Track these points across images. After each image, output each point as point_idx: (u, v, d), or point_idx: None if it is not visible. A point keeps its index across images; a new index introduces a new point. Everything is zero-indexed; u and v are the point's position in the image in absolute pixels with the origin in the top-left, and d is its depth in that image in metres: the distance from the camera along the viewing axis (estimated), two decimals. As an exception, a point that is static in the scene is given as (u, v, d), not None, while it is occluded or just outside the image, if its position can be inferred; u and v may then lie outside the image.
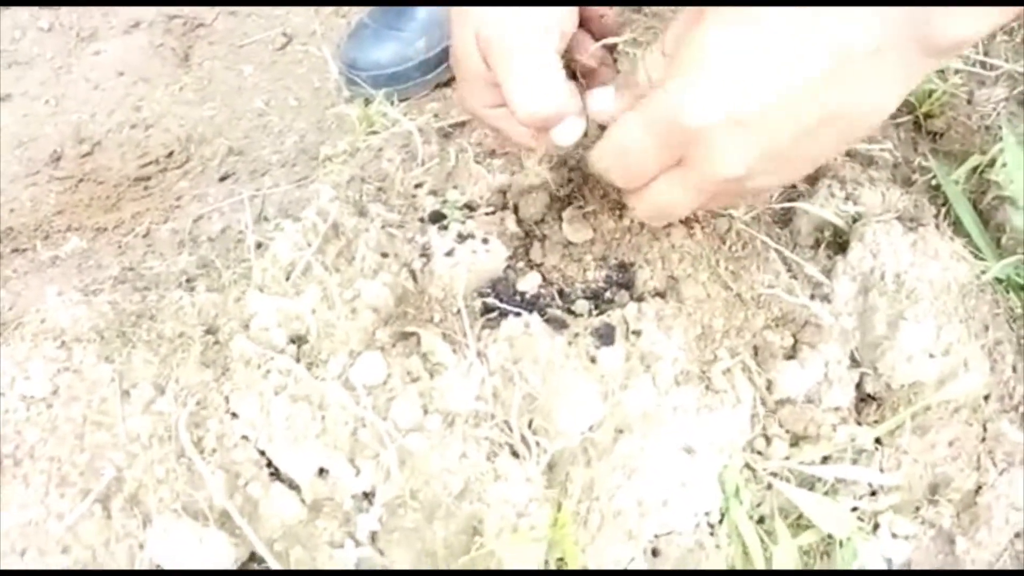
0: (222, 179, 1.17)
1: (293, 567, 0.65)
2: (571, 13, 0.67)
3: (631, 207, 0.70)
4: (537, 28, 0.65)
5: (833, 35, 0.55)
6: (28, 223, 1.17)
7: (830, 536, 0.76)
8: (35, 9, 1.44)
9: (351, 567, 0.65)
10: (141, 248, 1.04)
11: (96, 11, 1.43)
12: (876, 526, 0.78)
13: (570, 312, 0.79)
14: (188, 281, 0.86)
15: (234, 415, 0.68)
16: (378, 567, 0.66)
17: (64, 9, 1.44)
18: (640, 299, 0.80)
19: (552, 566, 0.69)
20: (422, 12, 1.21)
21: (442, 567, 0.66)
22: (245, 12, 1.41)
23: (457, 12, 0.68)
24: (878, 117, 0.62)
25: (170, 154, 1.25)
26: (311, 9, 1.41)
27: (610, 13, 0.73)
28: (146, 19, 1.42)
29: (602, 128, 0.68)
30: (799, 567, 0.75)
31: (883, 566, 0.76)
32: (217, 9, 1.41)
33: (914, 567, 0.77)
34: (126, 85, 1.35)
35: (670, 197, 0.65)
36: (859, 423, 0.81)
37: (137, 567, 0.64)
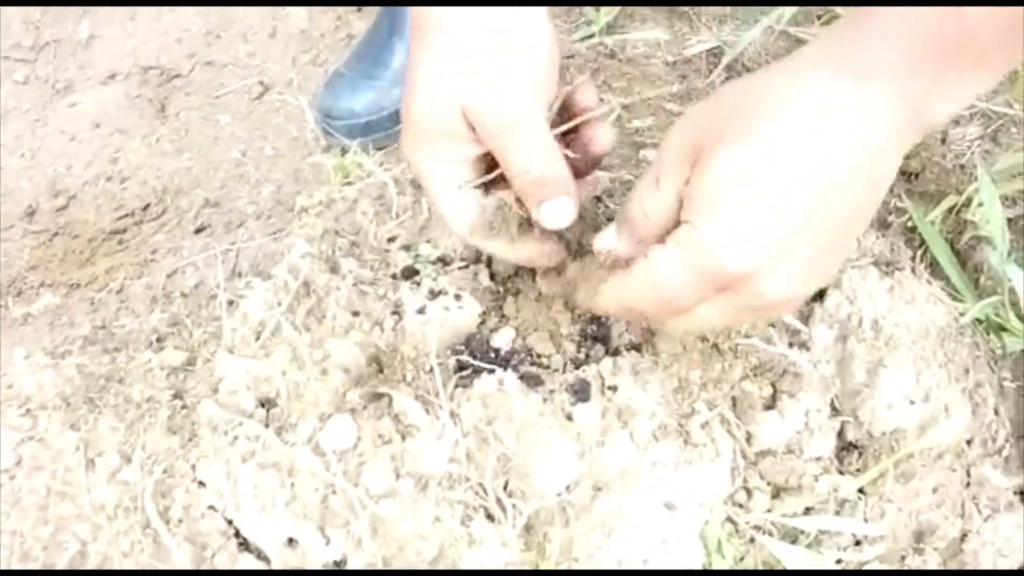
0: (197, 231, 1.16)
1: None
2: (551, 80, 0.68)
3: (667, 327, 0.68)
4: (529, 97, 0.66)
5: (850, 133, 0.56)
6: (2, 279, 1.15)
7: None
8: (10, 62, 1.43)
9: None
10: (114, 304, 1.03)
11: (72, 63, 1.43)
12: (862, 577, 0.77)
13: (545, 367, 0.78)
14: (158, 340, 0.84)
15: (201, 483, 0.66)
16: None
17: (40, 61, 1.44)
18: (616, 353, 0.79)
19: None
20: (397, 62, 1.21)
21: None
22: (222, 62, 1.41)
23: (429, 79, 0.67)
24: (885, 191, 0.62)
25: (146, 207, 1.24)
26: (288, 58, 1.40)
27: (581, 90, 0.73)
28: (122, 71, 1.41)
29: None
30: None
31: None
32: (194, 60, 1.41)
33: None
34: (102, 137, 1.34)
35: (713, 321, 0.64)
36: (841, 472, 0.81)
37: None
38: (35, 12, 1.48)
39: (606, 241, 0.67)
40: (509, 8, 0.67)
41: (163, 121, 1.36)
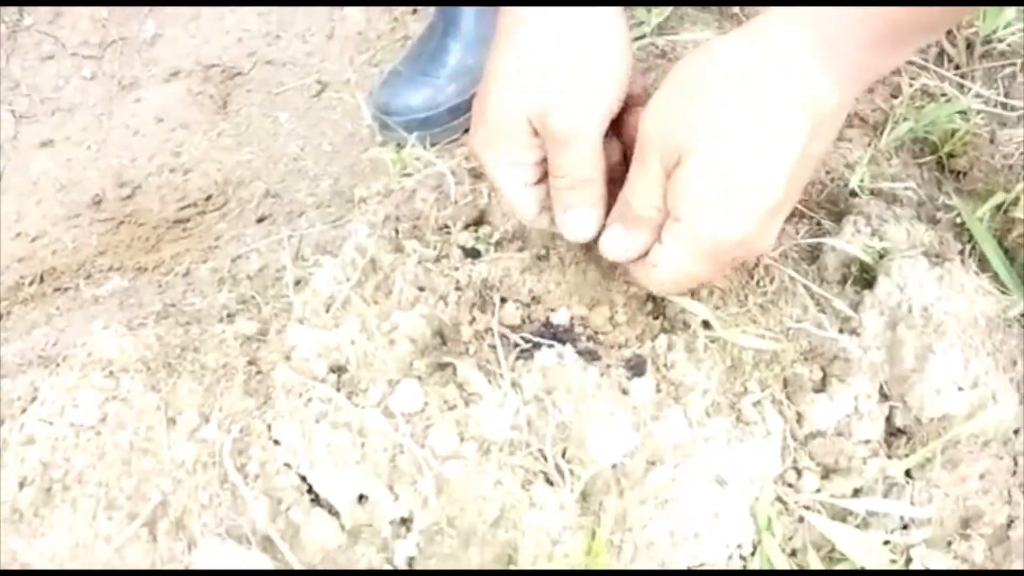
0: (259, 220, 1.21)
1: (332, 592, 0.66)
2: (618, 95, 0.72)
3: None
4: (592, 112, 0.71)
5: (807, 101, 0.63)
6: (70, 263, 1.20)
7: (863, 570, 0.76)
8: (79, 59, 1.49)
9: (389, 592, 0.66)
10: (181, 286, 1.07)
11: (137, 60, 1.49)
12: (908, 560, 0.78)
13: (602, 344, 0.81)
14: (229, 316, 0.88)
15: (276, 442, 0.70)
16: (415, 593, 0.67)
17: (107, 58, 1.50)
18: (670, 331, 0.81)
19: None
20: (452, 59, 1.25)
21: (478, 594, 0.67)
22: (281, 61, 1.46)
23: (504, 84, 0.71)
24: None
25: (208, 197, 1.28)
26: (345, 57, 1.45)
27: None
28: (185, 68, 1.47)
29: None
30: (833, 600, 0.75)
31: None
32: (254, 58, 1.46)
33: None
34: (165, 131, 1.39)
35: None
36: (889, 456, 0.82)
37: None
38: (103, 11, 1.54)
39: (620, 246, 0.74)
40: (589, 12, 0.70)
41: (224, 117, 1.41)
